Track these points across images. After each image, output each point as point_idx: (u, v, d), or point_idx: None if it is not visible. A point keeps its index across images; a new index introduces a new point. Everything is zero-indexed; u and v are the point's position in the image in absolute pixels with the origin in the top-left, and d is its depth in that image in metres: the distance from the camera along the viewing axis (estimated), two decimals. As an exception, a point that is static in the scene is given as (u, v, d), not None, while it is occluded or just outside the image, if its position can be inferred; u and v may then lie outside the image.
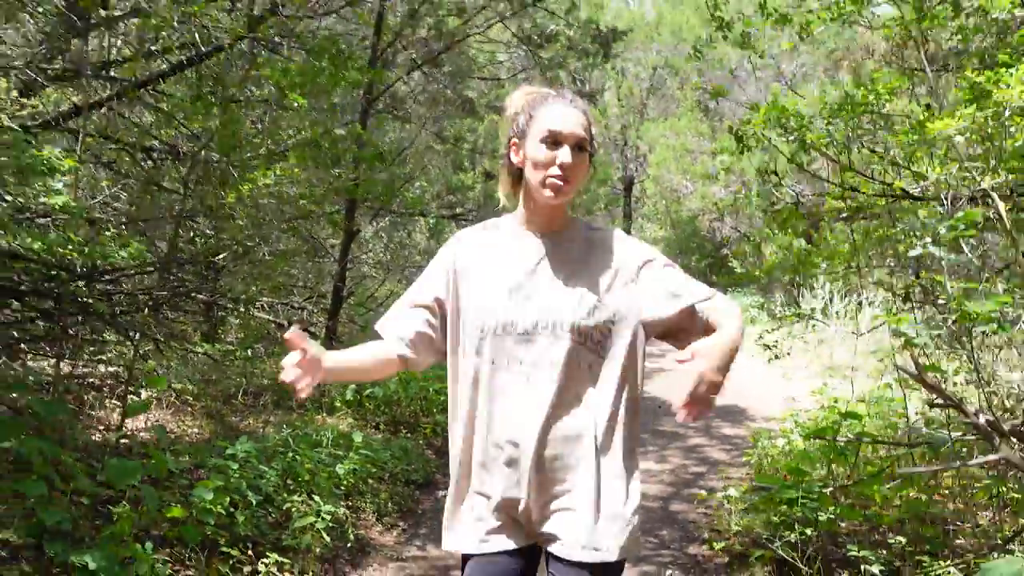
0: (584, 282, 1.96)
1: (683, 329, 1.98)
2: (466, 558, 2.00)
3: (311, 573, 4.06)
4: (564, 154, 1.88)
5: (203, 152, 5.28)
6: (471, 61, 10.38)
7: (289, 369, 1.77)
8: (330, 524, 4.36)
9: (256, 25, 5.50)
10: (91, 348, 5.54)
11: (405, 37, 8.19)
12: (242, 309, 7.31)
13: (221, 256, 5.94)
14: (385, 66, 7.97)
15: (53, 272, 4.09)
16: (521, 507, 1.92)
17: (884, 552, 3.86)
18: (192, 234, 6.19)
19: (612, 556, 1.89)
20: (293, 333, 1.76)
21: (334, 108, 6.77)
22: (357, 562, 4.43)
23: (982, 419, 3.25)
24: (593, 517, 1.89)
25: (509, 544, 1.95)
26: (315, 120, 5.86)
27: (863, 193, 4.74)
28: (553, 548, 1.91)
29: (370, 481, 5.27)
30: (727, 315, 1.92)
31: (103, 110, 5.84)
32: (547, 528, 1.92)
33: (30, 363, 5.30)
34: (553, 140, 1.90)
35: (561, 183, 1.89)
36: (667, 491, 5.90)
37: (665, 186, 23.57)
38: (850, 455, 4.45)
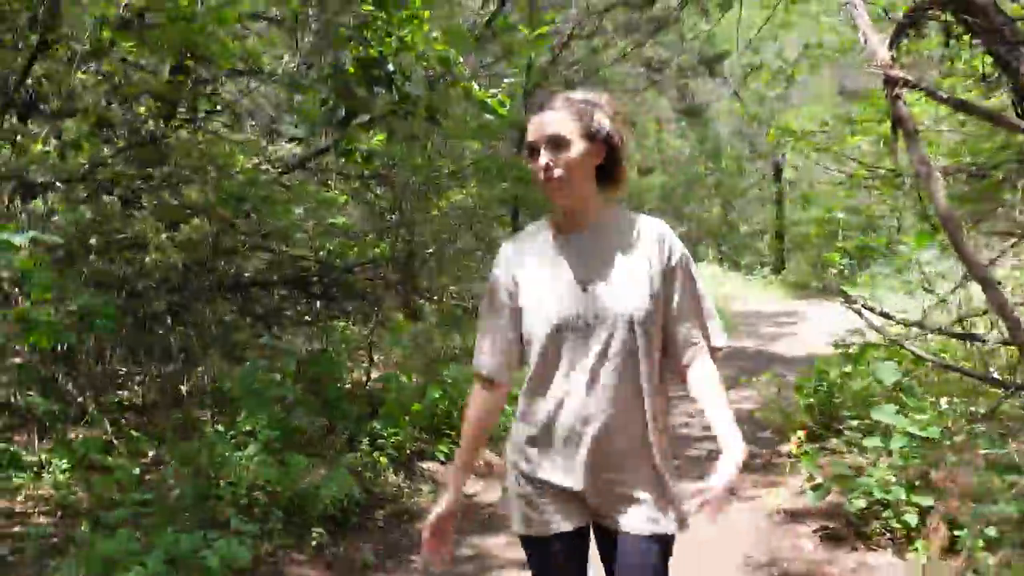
0: (632, 274, 2.03)
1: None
2: (525, 539, 2.13)
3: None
4: (541, 157, 1.98)
5: (409, 180, 7.65)
6: (604, 83, 12.38)
7: (425, 551, 2.16)
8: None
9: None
10: (340, 323, 7.97)
11: (551, 78, 10.42)
12: (434, 297, 9.73)
13: (422, 254, 8.31)
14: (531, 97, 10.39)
15: (332, 265, 6.55)
16: (580, 491, 2.04)
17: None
18: (398, 239, 8.55)
19: (672, 529, 2.03)
20: (427, 530, 2.15)
21: (497, 139, 9.04)
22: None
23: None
24: (652, 497, 2.02)
25: (567, 525, 2.07)
26: (485, 155, 8.20)
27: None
28: (615, 525, 2.05)
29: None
30: (718, 404, 2.05)
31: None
32: (607, 510, 2.05)
33: (287, 336, 7.61)
34: (531, 149, 2.02)
35: (552, 183, 1.99)
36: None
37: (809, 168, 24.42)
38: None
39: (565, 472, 2.03)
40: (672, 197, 24.90)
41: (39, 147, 5.24)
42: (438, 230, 7.97)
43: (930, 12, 4.28)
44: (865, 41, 3.88)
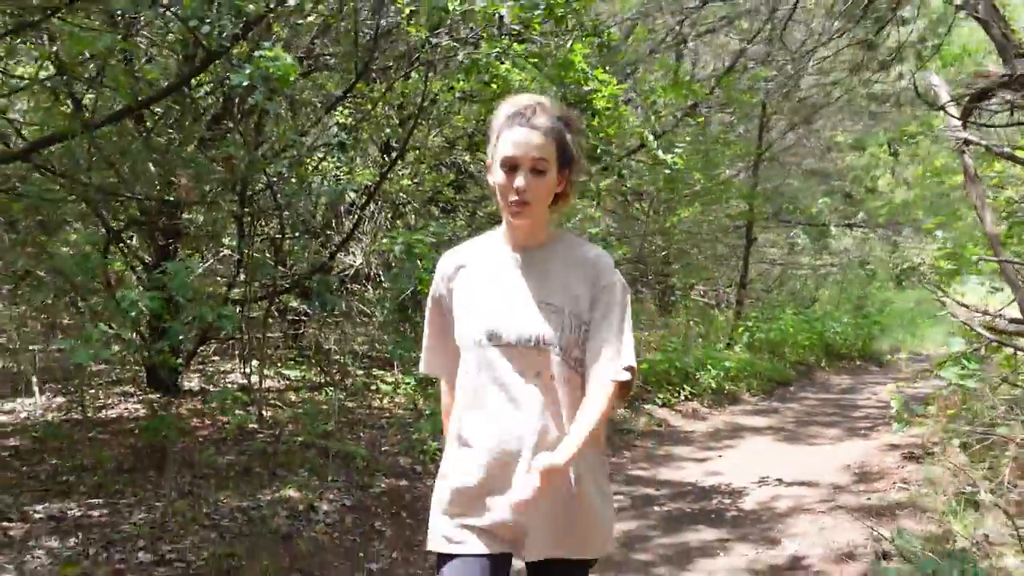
0: (566, 298, 2.00)
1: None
2: (441, 558, 2.03)
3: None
4: (520, 179, 1.93)
5: (655, 196, 10.01)
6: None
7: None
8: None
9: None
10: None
11: (780, 109, 12.17)
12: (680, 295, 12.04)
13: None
14: (765, 131, 12.24)
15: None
16: (499, 517, 1.96)
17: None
18: (651, 244, 10.94)
19: (591, 554, 2.04)
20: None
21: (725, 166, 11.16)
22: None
23: None
24: (573, 524, 1.98)
25: (483, 548, 1.97)
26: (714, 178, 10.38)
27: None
28: (537, 553, 1.98)
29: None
30: (580, 421, 1.95)
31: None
32: (528, 536, 1.98)
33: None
34: (510, 166, 1.94)
35: (519, 208, 1.95)
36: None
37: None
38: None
39: (489, 497, 1.98)
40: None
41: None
42: (679, 238, 10.23)
43: (996, 92, 5.95)
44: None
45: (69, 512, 4.46)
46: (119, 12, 5.29)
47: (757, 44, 10.21)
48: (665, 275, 11.91)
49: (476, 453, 2.00)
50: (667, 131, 9.74)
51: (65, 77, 5.36)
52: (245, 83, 4.18)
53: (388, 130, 7.77)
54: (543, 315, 1.99)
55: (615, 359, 1.98)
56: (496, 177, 1.99)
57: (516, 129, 1.96)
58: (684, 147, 10.44)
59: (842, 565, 4.09)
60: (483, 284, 2.07)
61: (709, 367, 9.04)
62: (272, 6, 4.81)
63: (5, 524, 4.21)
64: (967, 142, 5.48)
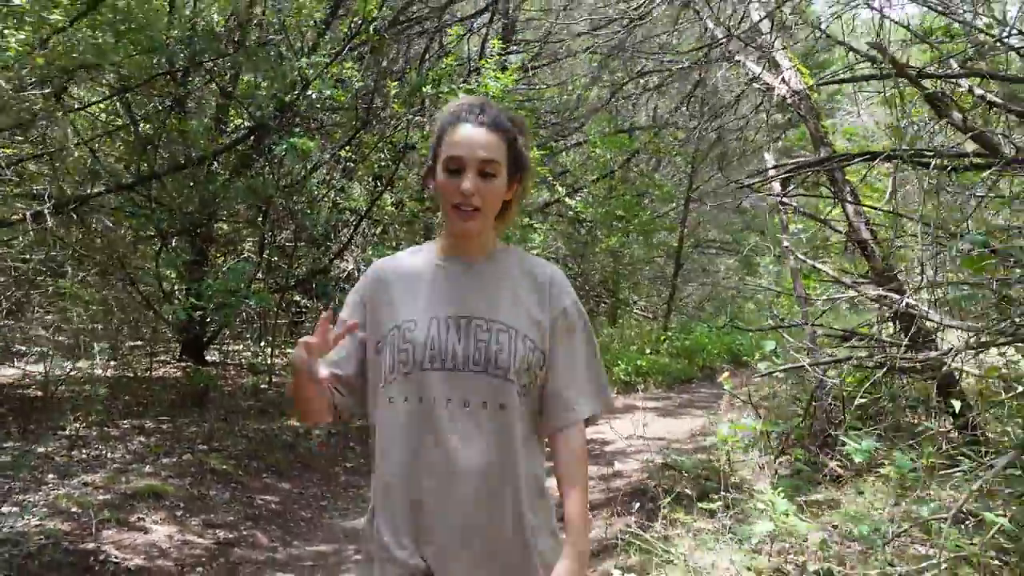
0: (517, 317, 1.79)
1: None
2: None
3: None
4: (466, 181, 1.72)
5: (593, 223, 12.31)
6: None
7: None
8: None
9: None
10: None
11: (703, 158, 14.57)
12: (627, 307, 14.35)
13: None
14: (695, 175, 14.66)
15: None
16: (438, 561, 1.72)
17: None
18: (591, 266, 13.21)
19: None
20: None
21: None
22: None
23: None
24: (519, 570, 1.76)
25: None
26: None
27: None
28: None
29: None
30: (576, 497, 1.79)
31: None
32: None
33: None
34: (456, 167, 1.73)
35: (466, 210, 1.74)
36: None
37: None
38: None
39: (416, 543, 1.72)
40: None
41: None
42: (616, 261, 12.58)
43: (805, 170, 8.27)
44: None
45: (146, 425, 6.76)
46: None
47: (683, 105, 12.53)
48: (611, 291, 14.29)
49: (405, 496, 1.74)
50: (603, 176, 12.10)
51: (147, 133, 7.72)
52: (283, 151, 6.54)
53: (378, 168, 10.01)
54: (492, 336, 1.75)
55: (591, 400, 1.85)
56: (441, 180, 1.76)
57: (463, 126, 1.75)
58: (618, 191, 12.82)
59: (636, 471, 6.43)
60: (420, 300, 1.80)
61: (622, 364, 11.35)
62: (298, 96, 7.12)
63: (106, 429, 6.50)
64: (782, 202, 7.85)
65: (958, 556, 3.54)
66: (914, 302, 5.21)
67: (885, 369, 5.25)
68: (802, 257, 7.05)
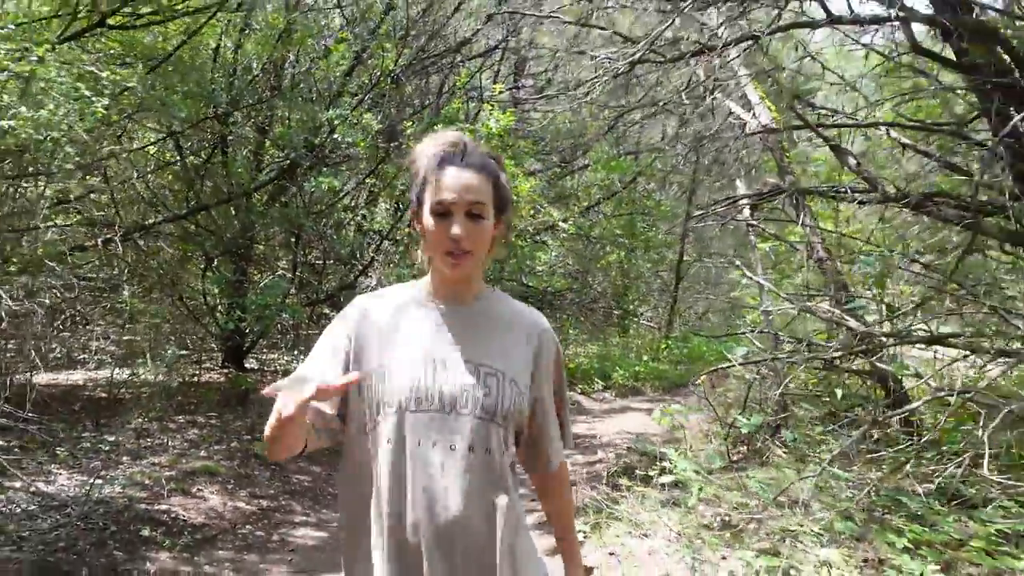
0: (504, 361, 1.79)
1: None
2: None
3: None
4: (456, 227, 1.71)
5: (595, 241, 13.40)
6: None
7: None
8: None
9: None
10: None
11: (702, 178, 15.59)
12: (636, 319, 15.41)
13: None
14: (693, 195, 15.70)
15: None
16: None
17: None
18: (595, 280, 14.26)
19: None
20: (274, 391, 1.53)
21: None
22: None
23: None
24: None
25: None
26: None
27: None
28: None
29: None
30: (569, 535, 2.01)
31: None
32: None
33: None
34: (444, 211, 1.72)
35: (456, 257, 1.73)
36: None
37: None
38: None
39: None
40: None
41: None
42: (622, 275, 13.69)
43: (770, 195, 9.28)
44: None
45: (197, 420, 7.94)
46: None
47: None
48: (619, 304, 15.38)
49: (388, 542, 1.70)
50: (609, 197, 13.20)
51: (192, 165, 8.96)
52: (314, 189, 7.74)
53: (398, 193, 11.18)
54: (479, 379, 1.74)
55: (560, 441, 1.93)
56: (426, 223, 1.73)
57: (448, 169, 1.73)
58: (620, 210, 13.88)
59: (614, 457, 7.50)
60: (406, 341, 1.78)
61: (621, 370, 12.41)
62: (326, 138, 8.32)
63: (165, 423, 7.69)
64: (750, 225, 8.90)
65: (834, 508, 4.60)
66: (838, 311, 6.27)
67: (824, 368, 6.31)
68: (756, 276, 8.03)
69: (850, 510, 4.71)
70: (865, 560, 4.21)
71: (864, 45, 5.71)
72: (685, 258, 15.52)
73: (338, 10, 10.42)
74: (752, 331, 7.42)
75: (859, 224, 8.53)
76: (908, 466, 5.36)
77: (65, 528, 4.81)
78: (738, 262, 9.08)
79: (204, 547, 5.11)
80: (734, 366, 7.11)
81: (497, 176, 1.80)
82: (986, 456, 4.22)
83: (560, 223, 10.03)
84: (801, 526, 4.57)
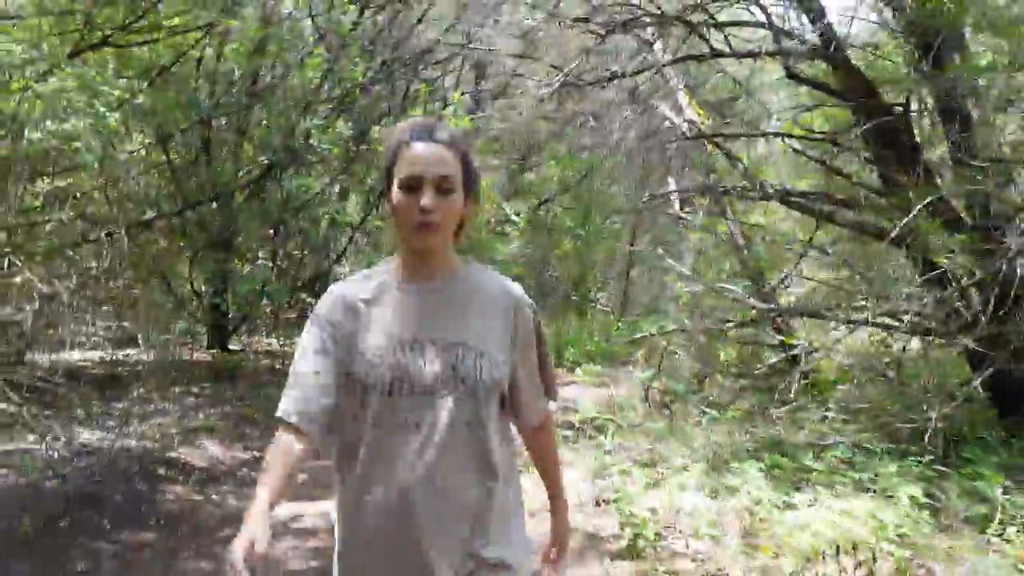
0: (481, 337, 1.83)
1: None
2: None
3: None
4: (425, 198, 1.74)
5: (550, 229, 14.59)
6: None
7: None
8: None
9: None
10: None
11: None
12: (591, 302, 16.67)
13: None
14: (643, 187, 17.04)
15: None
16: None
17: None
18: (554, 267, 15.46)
19: None
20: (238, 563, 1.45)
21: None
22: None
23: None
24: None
25: None
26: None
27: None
28: None
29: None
30: (558, 482, 2.11)
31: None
32: None
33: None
34: (413, 184, 1.75)
35: (425, 228, 1.75)
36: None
37: None
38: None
39: (396, 562, 1.76)
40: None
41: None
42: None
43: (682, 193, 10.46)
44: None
45: (192, 390, 9.05)
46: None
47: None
48: (576, 289, 16.61)
49: (377, 520, 1.78)
50: (562, 192, 14.39)
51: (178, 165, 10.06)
52: (294, 188, 8.87)
53: (367, 188, 12.29)
54: (457, 358, 1.78)
55: (542, 398, 2.00)
56: (395, 199, 1.78)
57: (417, 144, 1.78)
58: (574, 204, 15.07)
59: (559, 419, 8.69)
60: (383, 324, 1.81)
61: (573, 348, 13.63)
62: (301, 145, 9.44)
63: (164, 393, 8.79)
64: (680, 218, 10.13)
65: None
66: (738, 290, 7.50)
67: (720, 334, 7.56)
68: (673, 263, 9.25)
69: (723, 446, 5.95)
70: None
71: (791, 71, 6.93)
72: (635, 247, 16.71)
73: (310, 20, 11.49)
74: (671, 310, 8.67)
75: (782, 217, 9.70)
76: (785, 413, 6.61)
77: (97, 468, 5.93)
78: (660, 250, 10.27)
79: (210, 484, 6.25)
80: (654, 336, 8.35)
81: (466, 152, 1.84)
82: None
83: (513, 216, 11.18)
84: (685, 458, 5.80)
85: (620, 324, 15.99)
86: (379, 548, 1.79)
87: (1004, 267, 5.15)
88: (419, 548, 1.75)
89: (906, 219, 5.16)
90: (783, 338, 7.74)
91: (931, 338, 6.21)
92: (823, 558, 3.92)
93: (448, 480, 1.77)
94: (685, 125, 10.01)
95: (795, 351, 7.59)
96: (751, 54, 5.97)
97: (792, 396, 6.78)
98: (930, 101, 7.00)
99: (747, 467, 5.16)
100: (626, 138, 11.21)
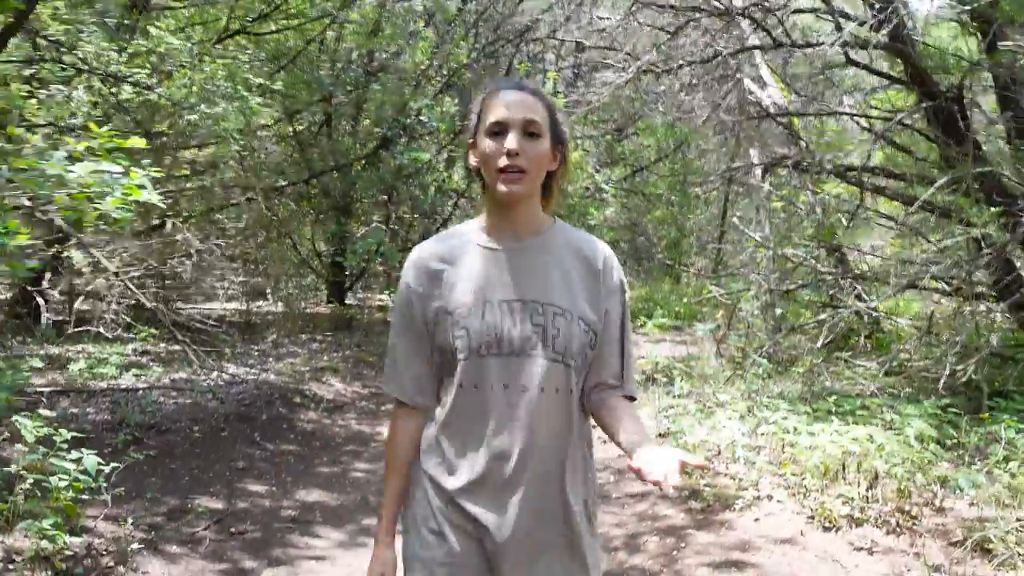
0: (571, 299, 1.77)
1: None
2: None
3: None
4: (511, 140, 1.70)
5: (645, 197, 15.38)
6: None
7: None
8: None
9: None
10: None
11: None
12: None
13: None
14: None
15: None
16: (493, 544, 1.74)
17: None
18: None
19: None
20: None
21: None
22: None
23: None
24: (567, 556, 1.79)
25: None
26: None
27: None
28: None
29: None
30: (636, 419, 1.78)
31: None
32: (521, 571, 1.76)
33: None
34: (499, 130, 1.72)
35: (512, 172, 1.70)
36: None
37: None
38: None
39: (481, 519, 1.73)
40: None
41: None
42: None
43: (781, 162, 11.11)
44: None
45: (316, 337, 10.36)
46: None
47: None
48: (670, 254, 17.38)
49: (464, 478, 1.75)
50: (657, 160, 15.12)
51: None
52: (406, 159, 10.01)
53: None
54: (548, 319, 1.73)
55: (625, 381, 1.85)
56: (481, 146, 1.75)
57: (504, 92, 1.75)
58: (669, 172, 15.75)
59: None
60: (472, 285, 1.76)
61: (662, 309, 14.47)
62: (412, 120, 10.53)
63: (292, 339, 10.11)
64: (760, 187, 10.80)
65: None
66: (807, 256, 8.23)
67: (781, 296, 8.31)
68: (748, 230, 9.92)
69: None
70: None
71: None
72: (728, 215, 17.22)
73: (420, 4, 12.55)
74: (748, 273, 9.39)
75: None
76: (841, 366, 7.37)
77: (246, 395, 7.22)
78: (736, 217, 10.96)
79: (336, 412, 7.48)
80: (724, 296, 9.15)
81: (552, 105, 1.80)
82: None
83: (603, 184, 12.04)
84: (739, 400, 6.67)
85: (712, 287, 16.69)
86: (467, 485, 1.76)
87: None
88: (500, 509, 1.74)
89: (931, 190, 5.80)
90: (845, 300, 8.42)
91: (976, 301, 6.81)
92: (838, 476, 4.75)
93: (539, 439, 1.73)
94: (768, 99, 10.64)
95: (857, 311, 8.30)
96: (809, 44, 6.64)
97: (850, 354, 7.51)
98: (990, 83, 7.49)
99: (788, 406, 6.00)
100: (716, 113, 11.86)
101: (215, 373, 7.59)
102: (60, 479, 3.78)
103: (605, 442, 2.04)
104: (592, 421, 1.89)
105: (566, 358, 1.73)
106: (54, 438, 3.97)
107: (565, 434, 1.77)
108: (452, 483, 1.76)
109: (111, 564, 3.95)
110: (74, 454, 3.91)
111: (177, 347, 7.85)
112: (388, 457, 1.88)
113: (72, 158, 3.08)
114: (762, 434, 5.71)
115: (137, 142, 3.33)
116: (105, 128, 3.37)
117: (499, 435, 1.73)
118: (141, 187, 3.19)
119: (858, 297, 8.38)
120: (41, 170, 2.92)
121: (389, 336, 1.89)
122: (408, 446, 1.85)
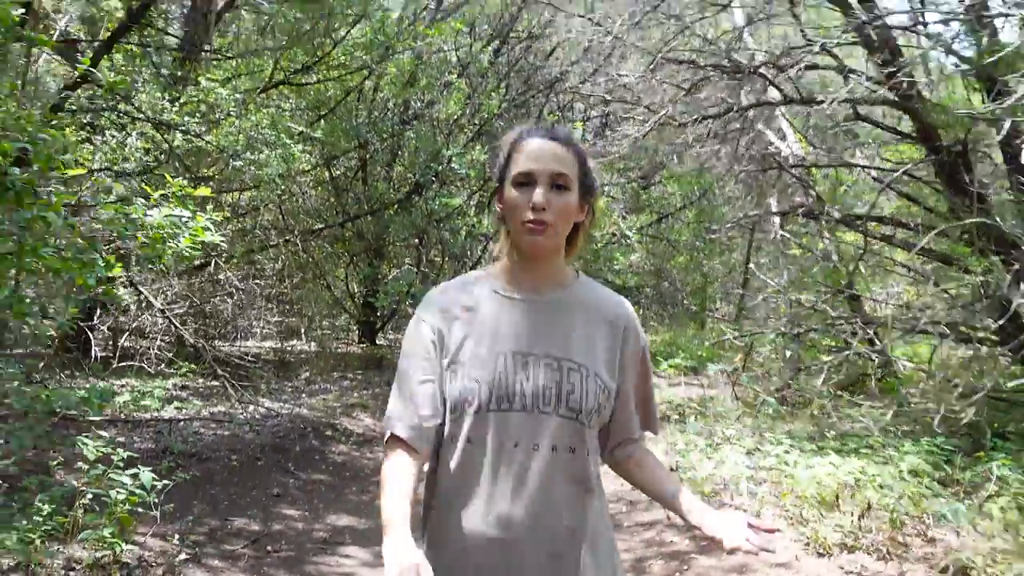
0: (589, 356, 1.72)
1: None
2: None
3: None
4: (538, 194, 1.65)
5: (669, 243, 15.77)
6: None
7: None
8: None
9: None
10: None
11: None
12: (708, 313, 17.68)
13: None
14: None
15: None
16: None
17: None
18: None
19: None
20: None
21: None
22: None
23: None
24: None
25: None
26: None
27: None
28: None
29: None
30: (663, 467, 1.85)
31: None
32: None
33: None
34: (526, 180, 1.67)
35: (536, 225, 1.65)
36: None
37: None
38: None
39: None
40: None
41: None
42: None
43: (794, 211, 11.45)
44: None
45: (347, 376, 10.78)
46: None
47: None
48: (694, 300, 17.68)
49: (468, 543, 1.65)
50: (681, 208, 15.52)
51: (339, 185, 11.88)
52: (437, 204, 10.50)
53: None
54: (563, 375, 1.67)
55: (653, 423, 1.86)
56: (507, 196, 1.70)
57: (534, 140, 1.70)
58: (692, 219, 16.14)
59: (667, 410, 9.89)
60: (485, 335, 1.70)
61: (684, 353, 14.72)
62: (444, 167, 11.05)
63: (324, 377, 10.54)
64: (783, 238, 11.14)
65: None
66: (820, 302, 8.53)
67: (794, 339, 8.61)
68: (764, 276, 10.24)
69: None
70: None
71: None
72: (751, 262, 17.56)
73: (455, 56, 13.14)
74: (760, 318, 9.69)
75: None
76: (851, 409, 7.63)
77: (280, 428, 7.64)
78: (752, 265, 11.27)
79: (365, 445, 7.86)
80: (737, 339, 9.46)
81: (583, 154, 1.74)
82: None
83: (627, 231, 12.44)
84: (749, 437, 6.96)
85: (727, 330, 16.99)
86: (471, 552, 1.66)
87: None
88: (496, 562, 1.65)
89: (926, 239, 6.13)
90: (859, 345, 8.69)
91: (978, 344, 7.07)
92: (834, 506, 5.04)
93: (546, 504, 1.65)
94: (787, 150, 11.00)
95: (860, 353, 8.57)
96: (815, 100, 7.02)
97: (861, 396, 7.78)
98: (993, 137, 7.83)
99: (793, 442, 6.30)
100: (734, 164, 12.24)
101: (251, 407, 8.03)
102: (118, 492, 4.19)
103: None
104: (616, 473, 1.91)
105: (580, 416, 1.67)
106: (112, 457, 4.39)
107: (580, 495, 1.70)
108: (451, 548, 1.67)
109: (160, 574, 4.35)
110: (130, 471, 4.33)
111: (216, 382, 8.32)
112: (387, 490, 1.59)
113: (149, 203, 3.54)
114: (765, 468, 6.01)
115: (204, 191, 3.79)
116: (178, 178, 3.85)
117: (506, 498, 1.65)
118: (206, 229, 3.65)
119: (870, 341, 8.66)
120: (125, 213, 3.38)
121: (397, 375, 1.75)
122: (407, 477, 1.61)
